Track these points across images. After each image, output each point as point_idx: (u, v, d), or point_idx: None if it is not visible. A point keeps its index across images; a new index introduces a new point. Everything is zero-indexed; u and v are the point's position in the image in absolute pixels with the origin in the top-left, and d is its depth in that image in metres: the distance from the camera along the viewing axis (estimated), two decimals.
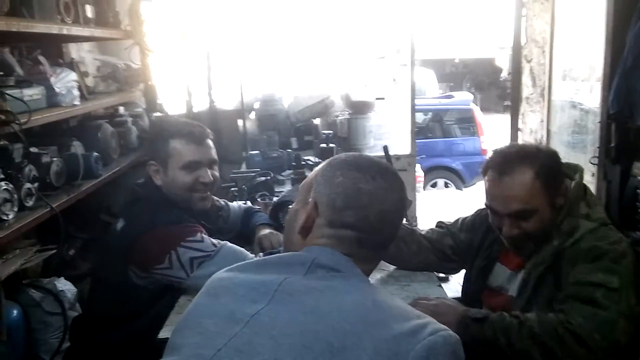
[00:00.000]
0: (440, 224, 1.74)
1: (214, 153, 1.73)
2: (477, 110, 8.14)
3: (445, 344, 0.77)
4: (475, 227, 1.62)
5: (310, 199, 0.94)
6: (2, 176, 1.82)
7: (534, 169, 1.36)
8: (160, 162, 1.66)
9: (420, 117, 7.40)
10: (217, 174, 1.74)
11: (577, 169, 1.50)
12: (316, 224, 0.93)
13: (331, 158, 1.01)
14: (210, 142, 1.72)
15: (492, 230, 1.52)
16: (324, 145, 2.79)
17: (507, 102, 12.85)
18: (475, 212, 1.67)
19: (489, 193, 1.43)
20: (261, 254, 1.59)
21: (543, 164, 1.38)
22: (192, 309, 0.91)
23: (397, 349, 0.74)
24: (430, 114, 8.16)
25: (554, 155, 1.44)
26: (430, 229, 1.72)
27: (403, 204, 0.98)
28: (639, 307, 1.29)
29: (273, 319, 0.81)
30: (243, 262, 0.96)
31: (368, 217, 0.91)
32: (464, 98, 8.86)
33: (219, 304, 0.87)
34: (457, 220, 1.71)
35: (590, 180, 3.34)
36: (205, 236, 1.56)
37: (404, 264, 1.68)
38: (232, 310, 0.84)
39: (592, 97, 3.41)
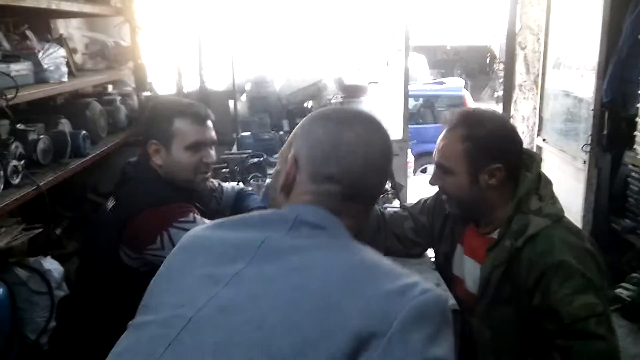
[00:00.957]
0: (402, 206, 1.74)
1: (214, 134, 1.71)
2: (468, 97, 8.15)
3: (436, 303, 0.73)
4: (436, 211, 1.62)
5: (289, 155, 0.90)
6: None
7: (465, 132, 1.39)
8: (162, 142, 1.62)
9: (411, 103, 7.38)
10: (214, 154, 1.72)
11: (534, 159, 1.47)
12: (298, 181, 0.88)
13: (311, 113, 0.96)
14: (210, 123, 1.70)
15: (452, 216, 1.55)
16: None
17: (497, 93, 12.84)
18: (435, 196, 1.65)
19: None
20: None
21: (478, 134, 1.38)
22: (167, 268, 0.86)
23: (387, 308, 0.70)
24: (421, 100, 8.16)
25: (499, 134, 1.41)
26: (393, 212, 1.71)
27: (389, 150, 0.92)
28: (609, 290, 1.34)
29: (256, 278, 0.76)
30: (220, 220, 0.90)
31: (350, 167, 0.86)
32: (455, 84, 8.85)
33: (197, 263, 0.82)
34: (419, 201, 1.71)
35: (582, 167, 3.36)
36: (198, 217, 1.52)
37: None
38: (212, 269, 0.80)
39: (585, 85, 3.41)
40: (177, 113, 1.61)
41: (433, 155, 1.48)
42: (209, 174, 1.71)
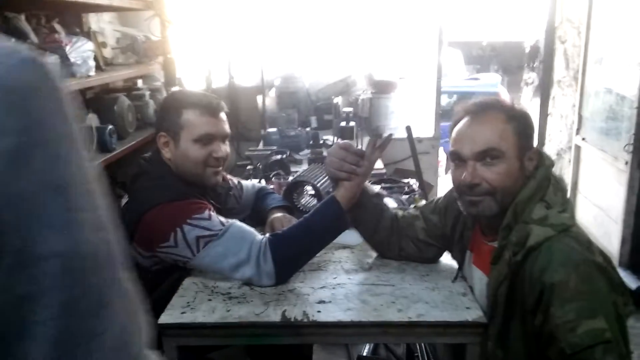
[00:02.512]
0: (415, 207, 1.67)
1: (227, 127, 1.65)
2: (504, 93, 7.93)
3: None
4: (447, 212, 1.52)
5: None
6: None
7: (506, 113, 1.30)
8: (171, 134, 1.57)
9: (445, 100, 7.22)
10: (228, 149, 1.66)
11: (543, 161, 1.31)
12: None
13: None
14: (224, 116, 1.64)
15: (462, 217, 1.44)
16: (343, 124, 2.69)
17: (526, 94, 12.34)
18: (447, 195, 1.53)
19: (457, 135, 1.32)
20: (268, 234, 1.50)
21: (516, 113, 1.31)
22: None
23: None
24: (455, 96, 7.98)
25: (528, 115, 1.35)
26: (406, 213, 1.62)
27: None
28: (626, 307, 1.19)
29: None
30: None
31: None
32: (490, 80, 8.62)
33: None
34: (432, 201, 1.62)
35: (623, 168, 3.20)
36: (213, 214, 1.47)
37: (384, 252, 1.61)
38: None
39: (629, 81, 3.24)
40: (187, 104, 1.56)
41: (459, 150, 1.29)
42: (220, 169, 1.64)
